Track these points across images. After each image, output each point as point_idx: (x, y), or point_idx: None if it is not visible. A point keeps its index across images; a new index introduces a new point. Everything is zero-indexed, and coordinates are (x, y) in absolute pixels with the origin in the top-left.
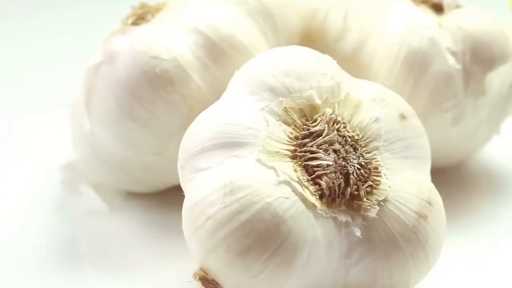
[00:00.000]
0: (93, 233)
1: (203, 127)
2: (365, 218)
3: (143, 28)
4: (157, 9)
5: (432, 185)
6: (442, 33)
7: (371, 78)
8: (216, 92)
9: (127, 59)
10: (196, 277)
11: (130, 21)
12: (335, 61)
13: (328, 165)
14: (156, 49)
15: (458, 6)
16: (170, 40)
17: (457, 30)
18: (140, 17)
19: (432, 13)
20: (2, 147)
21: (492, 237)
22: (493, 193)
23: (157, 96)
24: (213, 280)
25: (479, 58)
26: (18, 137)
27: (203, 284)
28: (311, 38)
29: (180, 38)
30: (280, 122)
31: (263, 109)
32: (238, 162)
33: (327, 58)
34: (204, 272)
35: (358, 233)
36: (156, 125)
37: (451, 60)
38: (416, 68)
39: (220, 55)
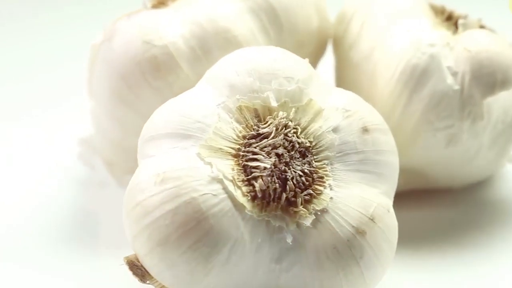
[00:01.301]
0: (102, 205)
1: (160, 115)
2: (299, 225)
3: (148, 13)
4: None
5: (386, 203)
6: (447, 52)
7: (372, 88)
8: None
9: (122, 41)
10: (124, 261)
11: (150, 4)
12: (307, 64)
13: (265, 168)
14: (150, 34)
15: (481, 27)
16: (168, 28)
17: (462, 50)
18: (161, 2)
19: (449, 31)
20: (28, 120)
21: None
22: None
23: (143, 81)
24: (142, 266)
25: (479, 81)
26: (43, 111)
27: (130, 269)
28: (336, 41)
29: (179, 27)
30: (232, 120)
31: (219, 105)
32: (178, 153)
33: (302, 63)
34: (136, 257)
35: (289, 239)
36: (143, 109)
37: (450, 80)
38: (412, 83)
39: (213, 47)
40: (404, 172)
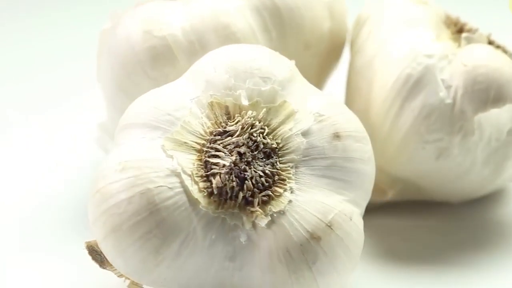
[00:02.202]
0: None
1: (136, 104)
2: (255, 226)
3: (154, 4)
4: None
5: (349, 211)
6: (444, 65)
7: (370, 95)
8: None
9: (125, 30)
10: (85, 246)
11: None
12: (291, 67)
13: (224, 165)
14: (151, 25)
15: (490, 42)
16: (169, 19)
17: (459, 64)
18: None
19: (456, 43)
20: (54, 105)
21: None
22: None
23: (141, 71)
24: (101, 252)
25: (471, 97)
26: (67, 97)
27: (89, 253)
28: (351, 46)
29: (180, 19)
30: (203, 115)
31: (193, 99)
32: (144, 144)
33: (284, 65)
34: (96, 243)
35: (242, 238)
36: None
37: (443, 93)
38: (404, 93)
39: (210, 42)
40: (397, 182)
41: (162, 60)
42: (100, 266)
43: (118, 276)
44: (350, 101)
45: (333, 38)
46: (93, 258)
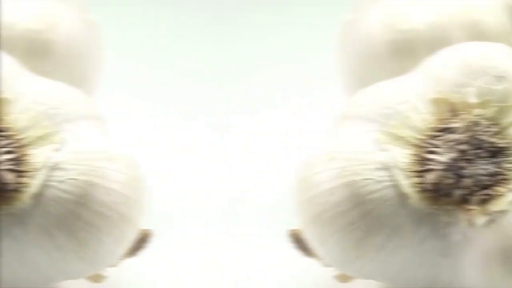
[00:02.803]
0: None
1: (358, 96)
2: (471, 224)
3: None
4: None
5: None
6: None
7: None
8: None
9: (365, 23)
10: (289, 234)
11: None
12: None
13: (442, 162)
14: (394, 19)
15: None
16: (414, 14)
17: None
18: None
19: None
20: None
21: None
22: None
23: (379, 64)
24: (305, 241)
25: None
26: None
27: (293, 242)
28: None
29: (426, 15)
30: (425, 111)
31: (418, 94)
32: (359, 135)
33: None
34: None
35: (457, 236)
36: None
37: None
38: None
39: (456, 39)
40: None
41: (401, 54)
42: (305, 254)
43: (324, 266)
44: None
45: None
46: (297, 247)
